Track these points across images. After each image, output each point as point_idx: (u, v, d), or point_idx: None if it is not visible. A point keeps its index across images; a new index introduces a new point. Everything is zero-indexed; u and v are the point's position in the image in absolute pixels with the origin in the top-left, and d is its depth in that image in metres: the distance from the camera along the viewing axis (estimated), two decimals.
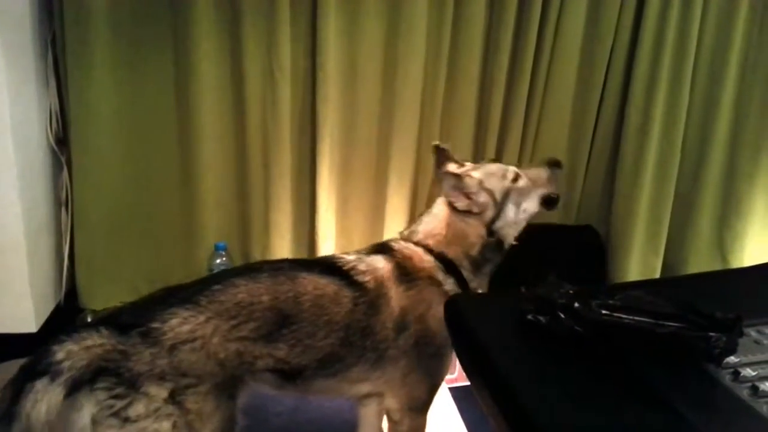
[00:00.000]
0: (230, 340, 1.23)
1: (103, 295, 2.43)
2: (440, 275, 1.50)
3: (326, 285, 1.37)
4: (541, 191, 1.61)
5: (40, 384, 1.07)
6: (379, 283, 1.43)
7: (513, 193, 1.57)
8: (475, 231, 1.54)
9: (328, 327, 1.34)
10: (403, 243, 1.55)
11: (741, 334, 0.94)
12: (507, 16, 2.49)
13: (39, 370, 1.08)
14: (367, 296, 1.40)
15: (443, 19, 2.46)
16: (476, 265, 1.56)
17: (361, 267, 1.45)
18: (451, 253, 1.53)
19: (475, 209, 1.53)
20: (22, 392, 1.06)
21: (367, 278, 1.42)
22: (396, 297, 1.43)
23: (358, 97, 2.51)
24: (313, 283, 1.36)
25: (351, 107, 2.52)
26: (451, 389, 2.38)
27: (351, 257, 1.48)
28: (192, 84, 2.32)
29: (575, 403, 0.89)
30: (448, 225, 1.55)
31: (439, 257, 1.52)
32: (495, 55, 2.55)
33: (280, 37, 2.32)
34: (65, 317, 2.38)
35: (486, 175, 1.57)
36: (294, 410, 2.01)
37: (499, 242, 1.58)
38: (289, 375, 1.33)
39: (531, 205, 1.60)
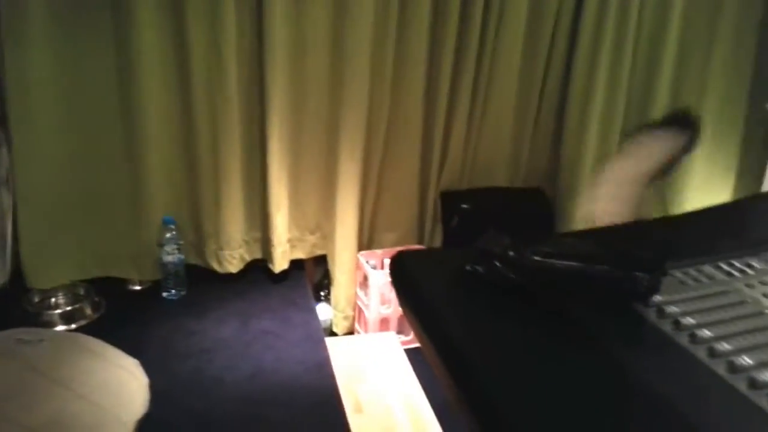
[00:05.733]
0: None
1: (49, 273, 2.37)
2: None
3: None
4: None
5: None
6: None
7: None
8: None
9: None
10: None
11: (664, 274, 0.99)
12: None
13: None
14: None
15: None
16: None
17: None
18: None
19: None
20: None
21: None
22: None
23: (306, 67, 2.49)
24: None
25: (300, 77, 2.49)
26: (407, 351, 2.43)
27: None
28: (134, 58, 2.25)
29: (510, 350, 0.92)
30: None
31: None
32: (443, 18, 2.56)
33: (225, 6, 2.27)
34: (11, 298, 2.32)
35: None
36: (251, 377, 2.02)
37: None
38: None
39: None
